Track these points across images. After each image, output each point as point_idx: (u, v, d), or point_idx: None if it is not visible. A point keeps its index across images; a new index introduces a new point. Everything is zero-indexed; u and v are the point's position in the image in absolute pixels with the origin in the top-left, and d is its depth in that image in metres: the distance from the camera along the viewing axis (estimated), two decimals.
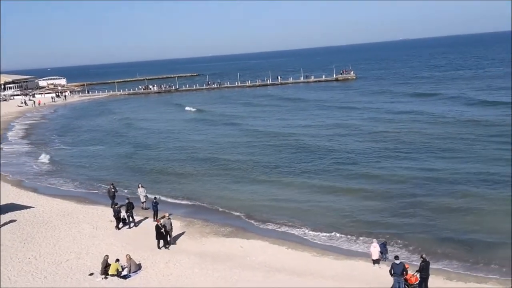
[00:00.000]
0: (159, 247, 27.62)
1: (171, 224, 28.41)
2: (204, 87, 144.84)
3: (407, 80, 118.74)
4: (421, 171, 38.81)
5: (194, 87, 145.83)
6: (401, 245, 26.51)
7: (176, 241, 28.62)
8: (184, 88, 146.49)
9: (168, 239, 28.12)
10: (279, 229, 30.34)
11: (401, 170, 39.78)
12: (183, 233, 29.92)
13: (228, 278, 23.60)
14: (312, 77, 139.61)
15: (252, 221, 31.95)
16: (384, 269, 22.58)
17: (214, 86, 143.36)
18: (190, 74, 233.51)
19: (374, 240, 25.04)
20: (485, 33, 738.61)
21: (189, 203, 36.51)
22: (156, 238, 27.64)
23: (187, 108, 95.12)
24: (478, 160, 40.60)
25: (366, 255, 25.21)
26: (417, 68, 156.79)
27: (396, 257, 21.19)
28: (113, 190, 35.78)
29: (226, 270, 24.52)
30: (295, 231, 29.79)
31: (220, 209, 34.48)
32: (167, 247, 27.68)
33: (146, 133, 70.63)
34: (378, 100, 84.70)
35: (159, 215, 32.42)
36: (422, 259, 21.12)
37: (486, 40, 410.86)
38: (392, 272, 20.69)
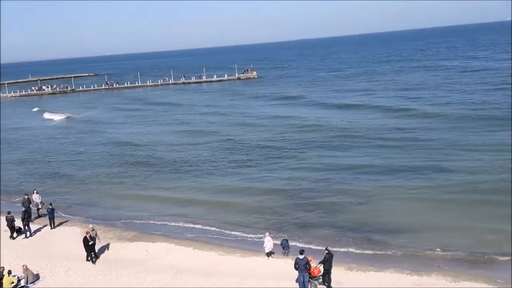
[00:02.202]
0: (87, 260, 26.01)
1: (96, 235, 27.06)
2: (103, 87, 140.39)
3: (301, 80, 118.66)
4: (310, 172, 39.56)
5: (92, 88, 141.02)
6: (303, 240, 27.34)
7: (76, 248, 27.35)
8: (81, 89, 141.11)
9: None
10: (184, 231, 30.19)
11: (291, 172, 40.20)
12: None
13: (133, 283, 23.04)
14: (215, 76, 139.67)
15: (157, 224, 31.55)
16: (289, 263, 23.09)
17: (115, 86, 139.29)
18: (87, 74, 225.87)
19: (267, 233, 25.85)
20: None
21: (82, 217, 34.29)
22: (86, 251, 26.04)
23: (48, 115, 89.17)
24: (361, 160, 41.71)
25: (271, 252, 25.70)
26: (316, 68, 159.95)
27: (301, 252, 21.67)
28: (28, 201, 32.90)
29: (131, 275, 23.94)
30: (201, 232, 29.76)
31: (122, 220, 33.11)
32: (94, 261, 26.12)
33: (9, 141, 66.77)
34: (261, 104, 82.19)
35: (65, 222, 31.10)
36: (326, 252, 21.79)
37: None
38: (297, 267, 21.22)
